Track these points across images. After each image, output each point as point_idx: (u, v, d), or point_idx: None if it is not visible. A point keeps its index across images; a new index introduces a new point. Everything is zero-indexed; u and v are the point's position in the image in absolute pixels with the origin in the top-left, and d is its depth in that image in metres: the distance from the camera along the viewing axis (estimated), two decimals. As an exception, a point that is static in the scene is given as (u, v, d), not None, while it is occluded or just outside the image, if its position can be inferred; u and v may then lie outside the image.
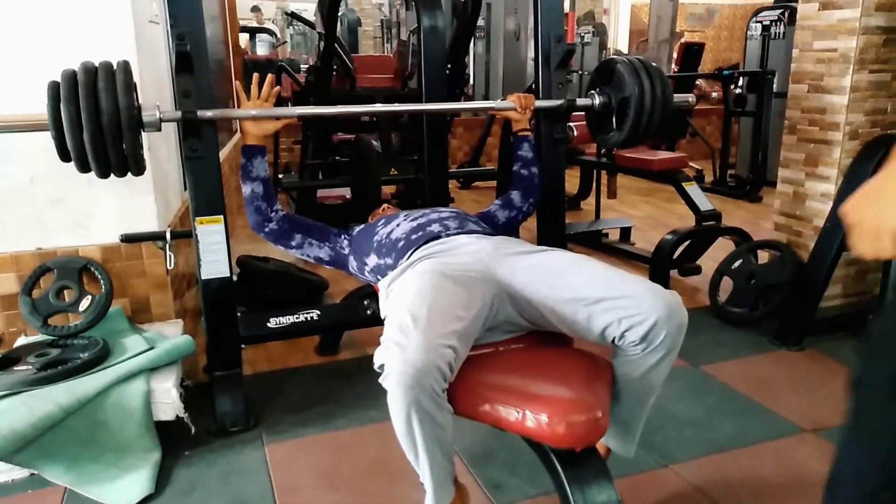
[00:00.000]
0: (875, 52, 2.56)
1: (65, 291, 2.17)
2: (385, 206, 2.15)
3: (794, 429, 2.10)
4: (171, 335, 2.21)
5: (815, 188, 2.75)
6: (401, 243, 1.72)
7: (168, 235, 2.22)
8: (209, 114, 1.92)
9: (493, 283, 1.51)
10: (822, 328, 2.73)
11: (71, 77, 1.72)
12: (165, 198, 2.43)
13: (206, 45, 2.01)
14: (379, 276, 1.78)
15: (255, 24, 10.11)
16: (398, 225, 1.82)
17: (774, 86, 5.46)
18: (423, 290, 1.37)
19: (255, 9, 10.65)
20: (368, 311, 2.38)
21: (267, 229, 1.90)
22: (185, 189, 2.87)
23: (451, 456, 1.35)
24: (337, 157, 3.67)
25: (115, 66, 1.77)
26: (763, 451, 1.99)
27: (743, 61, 6.26)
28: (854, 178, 2.61)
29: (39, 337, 2.14)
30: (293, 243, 1.92)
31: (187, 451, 1.98)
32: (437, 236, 1.69)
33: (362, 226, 1.99)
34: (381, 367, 1.23)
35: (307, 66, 8.47)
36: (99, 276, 2.17)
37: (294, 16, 4.22)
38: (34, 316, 2.10)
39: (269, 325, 2.30)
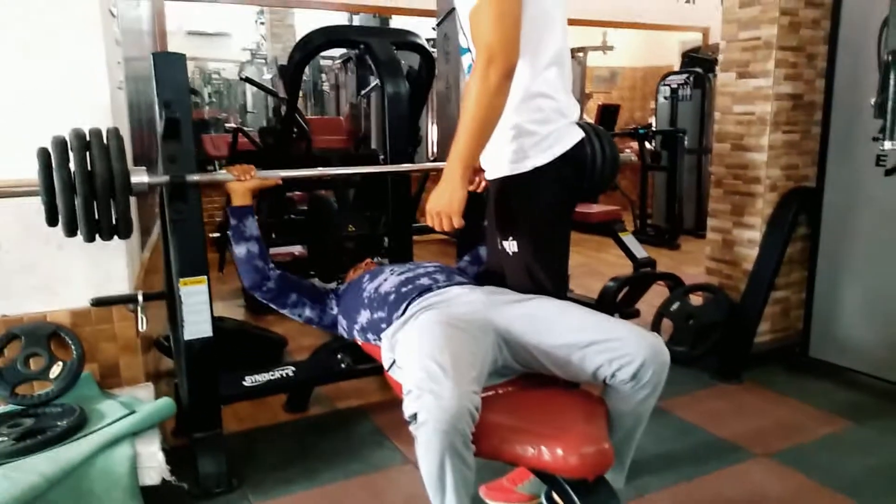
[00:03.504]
0: (786, 115, 2.91)
1: (32, 359, 2.11)
2: (368, 260, 2.22)
3: (747, 455, 2.29)
4: (145, 399, 2.18)
5: (742, 235, 3.05)
6: (392, 296, 1.81)
7: (140, 298, 2.21)
8: (196, 177, 1.97)
9: (492, 331, 1.62)
10: (757, 362, 2.99)
11: (62, 143, 1.75)
12: (133, 260, 2.41)
13: (190, 111, 2.07)
14: (371, 334, 1.84)
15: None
16: (385, 279, 1.90)
17: (686, 143, 5.94)
18: (437, 339, 1.46)
19: None
20: (343, 365, 2.43)
21: (265, 288, 1.92)
22: (142, 250, 2.85)
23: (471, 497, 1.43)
24: (292, 216, 3.72)
25: (105, 133, 1.80)
26: (724, 476, 2.16)
27: (654, 120, 6.78)
28: (775, 225, 2.93)
29: (7, 407, 2.06)
30: (288, 302, 1.95)
31: (172, 517, 1.95)
32: (428, 289, 1.79)
33: (347, 284, 2.06)
34: (414, 416, 1.30)
35: (228, 125, 8.40)
36: (69, 342, 2.13)
37: (250, 81, 4.28)
38: (1, 385, 2.03)
39: (244, 383, 2.31)
